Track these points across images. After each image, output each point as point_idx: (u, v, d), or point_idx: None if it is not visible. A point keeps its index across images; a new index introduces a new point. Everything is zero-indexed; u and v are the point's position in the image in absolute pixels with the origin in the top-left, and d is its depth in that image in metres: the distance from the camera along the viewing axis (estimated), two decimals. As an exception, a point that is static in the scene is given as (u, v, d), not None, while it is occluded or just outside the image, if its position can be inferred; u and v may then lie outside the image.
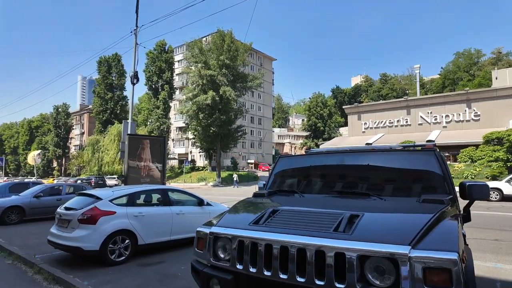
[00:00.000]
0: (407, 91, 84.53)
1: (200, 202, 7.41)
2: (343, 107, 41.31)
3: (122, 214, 5.87)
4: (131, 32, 13.88)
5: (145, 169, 11.00)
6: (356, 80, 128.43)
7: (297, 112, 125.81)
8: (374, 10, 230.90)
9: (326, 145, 37.58)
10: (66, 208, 5.97)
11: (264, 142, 67.24)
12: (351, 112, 38.06)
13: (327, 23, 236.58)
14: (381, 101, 40.04)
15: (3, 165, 23.71)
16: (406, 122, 33.92)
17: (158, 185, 7.25)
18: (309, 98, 66.26)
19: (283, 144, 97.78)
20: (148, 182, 11.12)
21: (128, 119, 51.82)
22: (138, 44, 13.88)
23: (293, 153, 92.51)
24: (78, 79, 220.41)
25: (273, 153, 73.03)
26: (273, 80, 71.27)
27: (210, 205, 7.63)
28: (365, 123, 36.54)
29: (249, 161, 61.52)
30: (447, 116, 31.58)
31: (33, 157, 19.44)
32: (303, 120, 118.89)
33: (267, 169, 56.31)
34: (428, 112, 32.77)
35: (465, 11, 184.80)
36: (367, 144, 32.40)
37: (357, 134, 36.92)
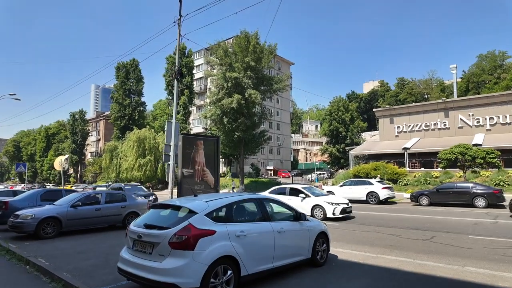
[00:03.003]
0: (426, 96, 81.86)
1: (298, 216, 5.75)
2: (374, 110, 39.32)
3: (222, 234, 4.25)
4: (174, 22, 12.51)
5: (199, 174, 9.45)
6: (368, 85, 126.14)
7: (311, 118, 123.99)
8: (382, 17, 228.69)
9: (356, 150, 35.57)
10: (147, 226, 4.36)
11: (283, 148, 65.46)
12: (382, 115, 36.02)
13: (335, 28, 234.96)
14: (415, 103, 37.90)
15: (26, 171, 22.73)
16: (445, 125, 31.69)
17: (249, 193, 5.60)
18: (330, 103, 64.34)
19: (297, 150, 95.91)
20: (202, 189, 9.55)
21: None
22: (181, 35, 12.48)
23: (309, 160, 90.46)
24: (92, 88, 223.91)
25: (291, 160, 71.02)
26: (291, 84, 69.76)
27: (307, 219, 5.95)
28: (398, 127, 34.42)
29: (268, 167, 59.71)
30: (491, 118, 29.28)
31: (60, 162, 18.21)
32: (316, 126, 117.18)
33: (287, 176, 54.35)
34: (469, 114, 30.52)
35: (484, 13, 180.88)
36: (404, 149, 30.32)
37: (390, 138, 34.80)
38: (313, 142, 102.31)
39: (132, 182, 44.59)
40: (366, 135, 63.70)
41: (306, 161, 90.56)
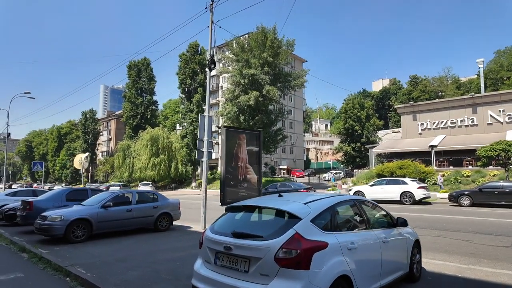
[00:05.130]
0: (440, 93, 79.69)
1: (395, 222, 4.71)
2: (396, 106, 38.02)
3: (334, 247, 3.25)
4: (206, 8, 11.64)
5: (243, 171, 8.51)
6: (377, 84, 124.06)
7: (320, 117, 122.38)
8: (391, 14, 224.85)
9: (378, 149, 34.28)
10: (236, 235, 3.35)
11: (295, 147, 64.27)
12: (404, 112, 34.64)
13: (341, 26, 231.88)
14: (440, 99, 36.49)
15: (42, 169, 22.22)
16: (472, 121, 30.22)
17: (343, 195, 4.59)
18: (344, 100, 62.94)
19: (308, 149, 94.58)
20: (245, 188, 8.60)
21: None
22: (214, 22, 11.57)
23: (320, 159, 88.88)
24: (101, 89, 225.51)
25: (304, 159, 69.77)
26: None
27: (405, 226, 4.91)
28: (422, 124, 33.00)
29: (281, 167, 58.62)
30: (524, 113, 27.80)
31: (79, 160, 17.54)
32: (326, 125, 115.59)
33: (301, 175, 53.03)
34: (499, 110, 29.01)
35: (499, 7, 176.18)
36: (430, 146, 28.95)
37: (412, 136, 33.40)
38: (323, 141, 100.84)
39: (144, 182, 44.13)
40: (379, 133, 62.17)
41: (317, 160, 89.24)
